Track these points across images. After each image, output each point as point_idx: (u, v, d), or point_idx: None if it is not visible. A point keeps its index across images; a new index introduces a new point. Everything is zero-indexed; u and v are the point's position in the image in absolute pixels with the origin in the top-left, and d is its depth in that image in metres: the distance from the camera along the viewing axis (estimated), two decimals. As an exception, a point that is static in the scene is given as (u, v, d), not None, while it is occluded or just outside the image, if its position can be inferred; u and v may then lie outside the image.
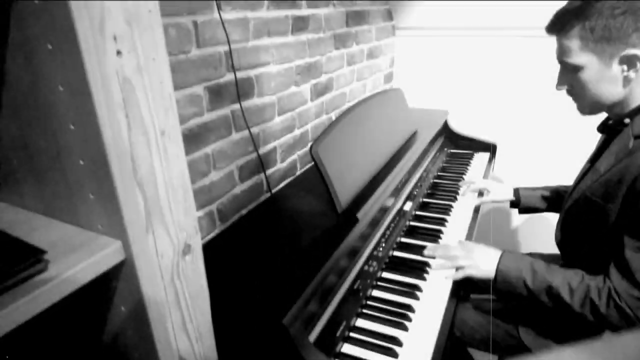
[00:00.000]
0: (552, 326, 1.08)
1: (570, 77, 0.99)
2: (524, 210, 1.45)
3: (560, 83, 1.03)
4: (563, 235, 1.13)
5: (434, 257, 1.17)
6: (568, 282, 0.96)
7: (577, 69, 0.96)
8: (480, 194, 1.56)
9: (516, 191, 1.46)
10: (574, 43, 0.94)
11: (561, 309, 0.97)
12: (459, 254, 1.12)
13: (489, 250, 1.10)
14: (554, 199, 1.39)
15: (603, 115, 1.08)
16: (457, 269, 1.11)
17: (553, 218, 1.25)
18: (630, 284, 0.88)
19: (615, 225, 0.93)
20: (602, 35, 0.90)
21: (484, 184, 1.54)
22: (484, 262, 1.08)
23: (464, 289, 1.08)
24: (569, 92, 1.03)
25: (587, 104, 1.01)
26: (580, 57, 0.94)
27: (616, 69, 0.92)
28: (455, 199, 1.53)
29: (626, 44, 0.89)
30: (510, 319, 1.13)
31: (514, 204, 1.47)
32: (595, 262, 0.98)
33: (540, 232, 2.12)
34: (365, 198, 1.13)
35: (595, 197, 0.98)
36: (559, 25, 0.96)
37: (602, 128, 1.09)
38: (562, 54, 0.98)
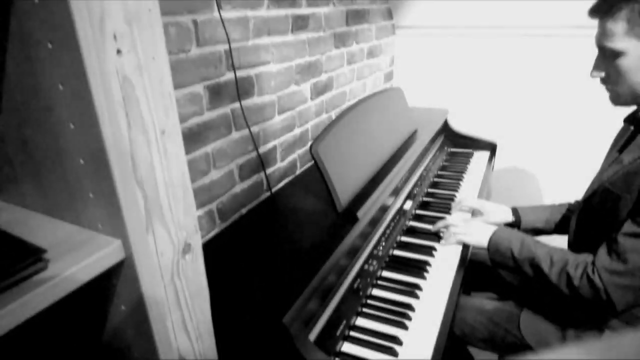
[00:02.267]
0: (552, 325, 1.08)
1: (608, 63, 0.94)
2: (525, 231, 1.34)
3: (596, 69, 0.98)
4: (578, 227, 1.11)
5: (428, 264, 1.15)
6: (550, 255, 1.01)
7: (617, 54, 0.91)
8: (474, 214, 1.43)
9: (515, 211, 1.36)
10: (619, 26, 0.89)
11: (540, 279, 1.03)
12: (459, 223, 1.23)
13: (486, 225, 1.19)
14: (555, 218, 1.32)
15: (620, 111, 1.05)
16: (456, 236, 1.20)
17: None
18: (613, 260, 0.91)
19: (627, 216, 0.93)
20: None
21: (477, 205, 1.40)
22: (479, 232, 1.17)
23: (465, 288, 1.08)
24: (604, 81, 0.99)
25: (622, 93, 0.96)
26: (623, 41, 0.90)
27: None
28: (456, 198, 1.53)
29: None
30: (510, 318, 1.13)
31: (512, 225, 1.36)
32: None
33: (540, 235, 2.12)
34: (365, 197, 1.13)
35: (614, 189, 0.96)
36: (606, 6, 0.91)
37: (631, 120, 1.05)
38: (604, 38, 0.93)
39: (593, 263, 0.94)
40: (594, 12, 0.95)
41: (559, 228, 1.32)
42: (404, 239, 1.28)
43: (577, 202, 1.27)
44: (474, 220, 1.26)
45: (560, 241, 1.18)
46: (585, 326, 1.04)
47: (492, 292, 1.38)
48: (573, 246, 1.15)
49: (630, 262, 0.89)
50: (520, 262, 1.06)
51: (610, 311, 0.95)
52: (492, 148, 1.93)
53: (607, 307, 0.93)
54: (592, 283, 0.93)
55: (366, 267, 1.07)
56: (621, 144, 1.08)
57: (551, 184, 2.06)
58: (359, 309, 0.99)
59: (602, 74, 0.98)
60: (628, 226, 0.91)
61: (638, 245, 0.89)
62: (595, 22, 0.95)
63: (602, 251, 0.95)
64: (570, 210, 1.31)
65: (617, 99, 0.99)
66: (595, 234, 1.04)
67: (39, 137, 0.48)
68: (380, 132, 1.39)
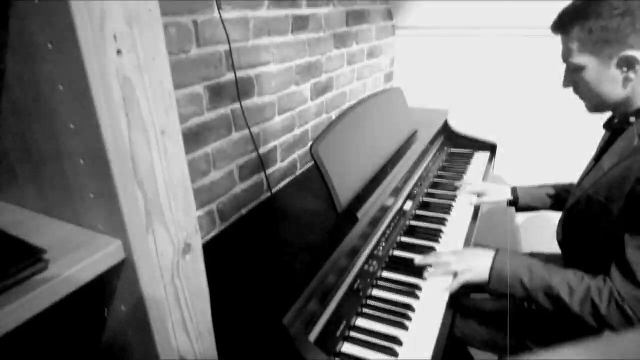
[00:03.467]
0: (552, 325, 1.08)
1: (573, 76, 1.00)
2: (522, 208, 1.46)
3: (565, 82, 1.04)
4: (565, 233, 1.12)
5: (425, 267, 1.10)
6: (567, 282, 0.93)
7: (578, 69, 0.97)
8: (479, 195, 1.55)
9: (514, 190, 1.46)
10: (574, 44, 0.95)
11: (559, 309, 0.94)
12: (451, 259, 1.07)
13: (481, 251, 1.06)
14: (551, 198, 1.39)
15: (608, 114, 1.07)
16: (453, 277, 1.05)
17: (553, 217, 1.25)
18: (633, 285, 0.86)
19: (617, 224, 0.93)
20: (600, 37, 0.90)
21: (481, 187, 1.52)
22: (477, 263, 1.03)
23: (465, 288, 1.07)
24: (574, 91, 1.04)
25: (592, 103, 1.02)
26: (580, 57, 0.95)
27: (615, 69, 0.92)
28: (456, 198, 1.53)
29: (624, 45, 0.89)
30: (510, 318, 1.13)
31: (511, 203, 1.47)
32: (596, 261, 0.98)
33: (541, 232, 2.12)
34: (365, 197, 1.13)
35: (598, 196, 0.98)
36: (560, 25, 0.97)
37: (607, 125, 1.09)
38: (565, 53, 0.99)
39: (618, 291, 0.87)
40: (553, 29, 1.01)
41: (553, 206, 1.38)
42: (404, 239, 1.28)
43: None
44: (464, 251, 1.10)
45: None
46: (585, 326, 1.04)
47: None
48: (563, 250, 1.15)
49: None
50: (534, 293, 0.96)
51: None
52: (492, 148, 1.93)
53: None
54: (623, 312, 0.86)
55: (366, 267, 1.07)
56: (598, 150, 1.11)
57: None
58: (359, 309, 0.99)
59: (570, 87, 1.03)
60: (630, 240, 0.88)
61: None
62: None
63: (617, 275, 0.89)
64: (567, 190, 1.34)
65: (589, 108, 1.04)
66: (583, 238, 1.05)
67: (39, 137, 0.48)
68: (380, 132, 1.40)
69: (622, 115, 1.01)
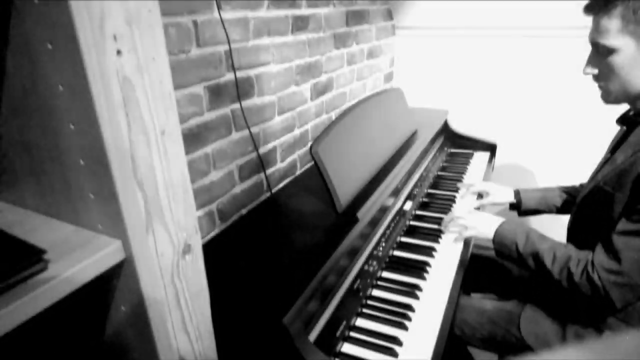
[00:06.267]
0: (552, 325, 1.08)
1: (601, 60, 0.95)
2: (525, 212, 1.43)
3: (589, 66, 0.99)
4: (574, 226, 1.13)
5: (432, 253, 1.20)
6: (553, 251, 1.02)
7: (610, 51, 0.92)
8: (480, 196, 1.55)
9: (517, 193, 1.43)
10: (613, 23, 0.90)
11: (542, 274, 1.04)
12: (465, 215, 1.24)
13: (492, 216, 1.20)
14: (557, 201, 1.37)
15: (616, 110, 1.06)
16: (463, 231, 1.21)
17: (555, 218, 1.25)
18: (609, 259, 0.92)
19: (620, 214, 0.94)
20: None
21: (483, 187, 1.51)
22: (485, 225, 1.18)
23: (465, 288, 1.08)
24: (596, 78, 0.99)
25: (614, 91, 0.97)
26: (617, 39, 0.90)
27: None
28: (456, 198, 1.53)
29: None
30: (510, 318, 1.13)
31: (514, 206, 1.45)
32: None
33: (540, 232, 2.12)
34: (365, 197, 1.13)
35: (607, 187, 0.98)
36: (601, 3, 0.92)
37: (622, 120, 1.06)
38: (597, 35, 0.93)
39: (592, 261, 0.95)
40: (589, 9, 0.95)
41: (560, 210, 1.38)
42: (404, 239, 1.28)
43: (580, 185, 1.31)
44: (479, 212, 1.26)
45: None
46: (585, 326, 1.04)
47: (492, 292, 1.38)
48: (571, 236, 1.15)
49: (625, 261, 0.90)
50: (525, 256, 1.07)
51: (609, 308, 0.96)
52: (492, 148, 1.93)
53: (607, 304, 0.94)
54: (591, 281, 0.94)
55: (366, 267, 1.07)
56: (614, 144, 1.10)
57: (551, 184, 2.06)
58: (359, 310, 0.99)
59: (595, 71, 0.98)
60: (622, 224, 0.92)
61: (631, 243, 0.90)
62: None
63: (599, 249, 0.95)
64: (570, 193, 1.34)
65: (608, 97, 0.99)
66: (591, 231, 1.05)
67: (39, 138, 0.48)
68: (380, 132, 1.40)
69: (637, 109, 0.99)
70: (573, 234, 1.14)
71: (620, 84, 0.94)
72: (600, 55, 0.95)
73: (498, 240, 1.14)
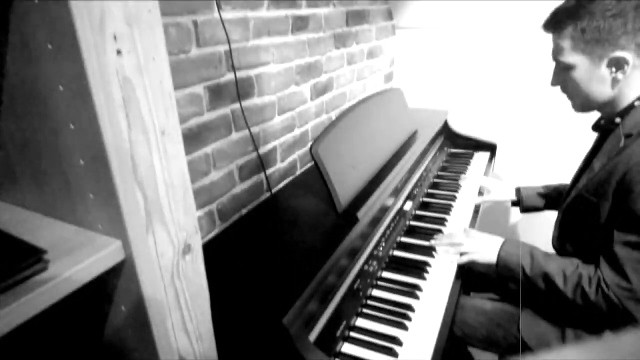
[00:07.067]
0: (552, 325, 1.08)
1: (562, 75, 1.01)
2: (526, 209, 1.45)
3: (554, 81, 1.05)
4: (560, 234, 1.13)
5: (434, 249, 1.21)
6: (563, 270, 1.01)
7: (568, 67, 0.98)
8: (481, 193, 1.55)
9: (518, 190, 1.45)
10: (566, 42, 0.96)
11: (555, 294, 1.02)
12: (463, 240, 1.18)
13: (491, 238, 1.16)
14: (555, 198, 1.39)
15: (597, 114, 1.08)
16: (462, 255, 1.16)
17: (553, 216, 1.25)
18: (618, 276, 0.92)
19: (607, 222, 0.96)
20: (592, 37, 0.91)
21: (484, 182, 1.53)
22: (486, 249, 1.14)
23: (465, 288, 1.08)
24: (562, 90, 1.05)
25: (578, 103, 1.03)
26: (571, 56, 0.96)
27: (605, 70, 0.94)
28: (456, 198, 1.53)
29: (615, 46, 0.90)
30: (510, 318, 1.13)
31: (515, 204, 1.46)
32: (588, 259, 1.01)
33: (540, 231, 2.11)
34: (365, 198, 1.13)
35: (589, 195, 1.00)
36: (553, 24, 0.98)
37: (596, 127, 1.11)
38: (555, 52, 1.00)
39: (604, 279, 0.94)
40: (545, 28, 1.01)
41: (558, 205, 1.37)
42: (404, 239, 1.28)
43: None
44: (476, 234, 1.20)
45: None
46: (584, 326, 1.04)
47: (492, 292, 1.38)
48: (557, 250, 1.16)
49: (632, 275, 0.90)
50: (534, 279, 1.05)
51: (630, 323, 0.95)
52: (492, 149, 1.93)
53: (627, 319, 0.93)
54: (607, 298, 0.93)
55: (366, 267, 1.07)
56: (590, 151, 1.14)
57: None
58: (359, 310, 0.99)
59: (559, 85, 1.04)
60: (618, 235, 0.93)
61: (633, 256, 0.91)
62: None
63: (605, 265, 0.95)
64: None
65: (576, 107, 1.06)
66: (577, 238, 1.08)
67: (39, 138, 0.48)
68: (380, 132, 1.40)
69: (608, 116, 1.03)
70: (560, 242, 1.14)
71: (583, 96, 1.00)
72: (561, 70, 1.01)
73: (502, 264, 1.11)
